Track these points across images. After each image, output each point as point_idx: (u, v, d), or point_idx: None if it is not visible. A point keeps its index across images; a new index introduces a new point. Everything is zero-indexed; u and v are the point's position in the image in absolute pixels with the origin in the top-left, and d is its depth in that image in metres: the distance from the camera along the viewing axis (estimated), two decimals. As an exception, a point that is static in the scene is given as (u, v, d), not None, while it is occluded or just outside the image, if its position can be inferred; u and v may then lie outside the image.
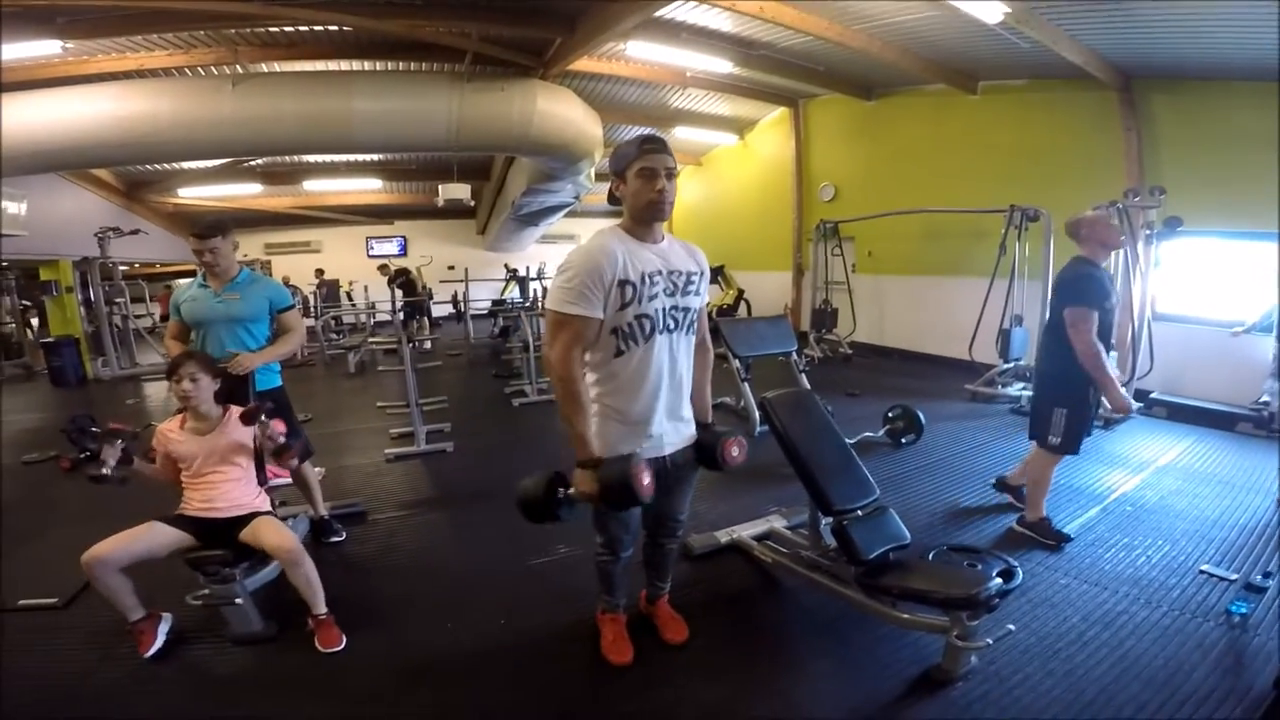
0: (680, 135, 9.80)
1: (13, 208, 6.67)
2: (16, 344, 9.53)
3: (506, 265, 13.21)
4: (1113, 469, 3.87)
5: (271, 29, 5.26)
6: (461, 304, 11.45)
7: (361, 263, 13.16)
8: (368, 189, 11.47)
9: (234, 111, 5.44)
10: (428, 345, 9.78)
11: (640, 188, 1.65)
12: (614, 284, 1.65)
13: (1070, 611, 2.37)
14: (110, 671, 2.21)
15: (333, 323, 10.64)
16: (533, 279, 12.73)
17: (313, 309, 10.44)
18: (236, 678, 2.20)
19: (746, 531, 2.84)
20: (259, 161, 9.23)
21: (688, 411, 1.90)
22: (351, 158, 9.96)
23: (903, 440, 4.39)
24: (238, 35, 5.29)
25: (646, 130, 9.49)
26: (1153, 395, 5.22)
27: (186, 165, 9.19)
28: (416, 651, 2.29)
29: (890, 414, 4.49)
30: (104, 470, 2.26)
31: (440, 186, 7.49)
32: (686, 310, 1.80)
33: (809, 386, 4.85)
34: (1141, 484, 3.67)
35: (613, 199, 1.75)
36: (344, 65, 6.17)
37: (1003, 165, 6.62)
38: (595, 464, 1.68)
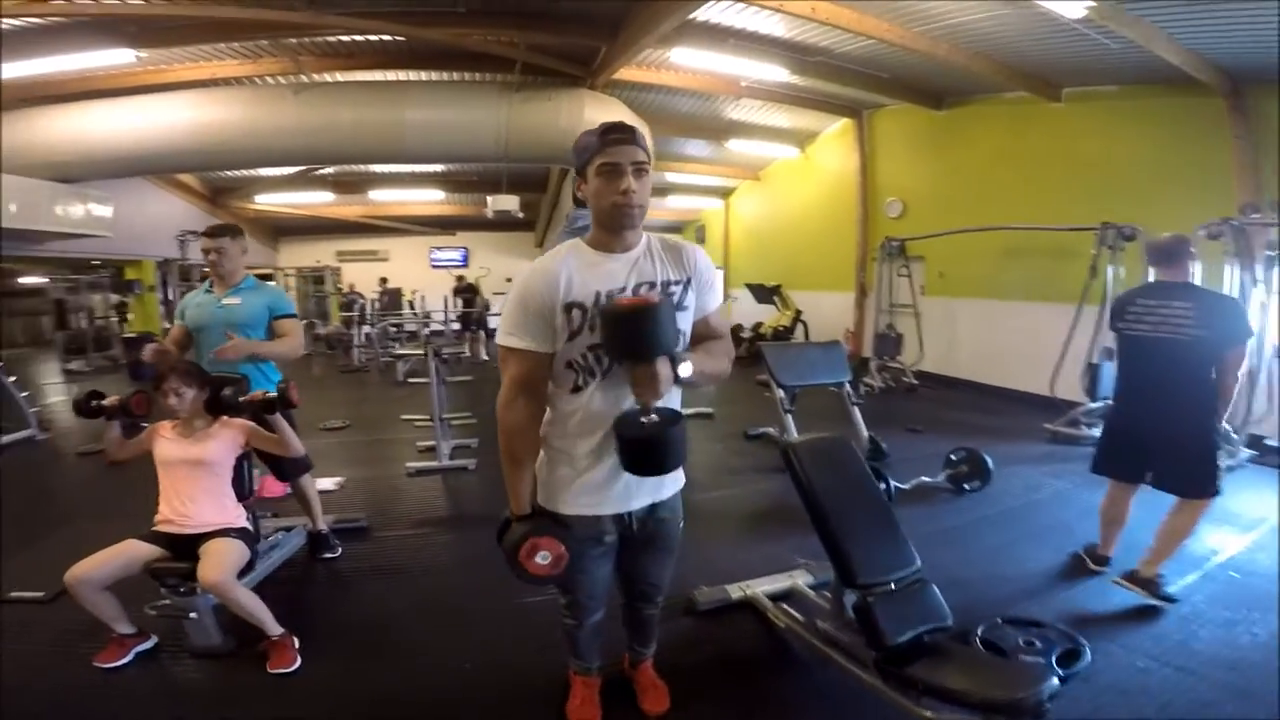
0: (737, 148, 9.47)
1: (99, 210, 7.11)
2: (107, 337, 10.25)
3: (564, 277, 13.27)
4: (1217, 527, 3.21)
5: (329, 39, 5.36)
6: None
7: (424, 272, 13.52)
8: (430, 199, 11.74)
9: (296, 120, 5.62)
10: (484, 356, 9.85)
11: (601, 188, 1.35)
12: (558, 310, 1.37)
13: (1146, 701, 1.94)
14: (65, 671, 2.18)
15: (391, 329, 10.88)
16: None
17: (368, 316, 10.71)
18: (184, 689, 2.16)
19: (763, 587, 2.47)
20: (329, 170, 9.61)
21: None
22: (415, 168, 10.21)
23: (965, 486, 3.86)
24: (298, 45, 5.42)
25: (700, 142, 9.43)
26: (1268, 441, 4.48)
27: (263, 172, 9.67)
28: (371, 683, 2.15)
29: (953, 456, 3.98)
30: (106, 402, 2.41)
31: (489, 198, 7.49)
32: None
33: (861, 421, 4.43)
34: (1252, 545, 3.07)
35: (578, 202, 1.47)
36: (398, 75, 6.25)
37: (1092, 179, 5.94)
38: (515, 520, 1.46)
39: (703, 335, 1.53)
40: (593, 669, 1.89)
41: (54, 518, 3.63)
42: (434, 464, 4.48)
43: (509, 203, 7.45)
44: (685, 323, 1.46)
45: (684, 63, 6.11)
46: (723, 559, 2.90)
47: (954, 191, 7.50)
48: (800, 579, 2.49)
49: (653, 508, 1.56)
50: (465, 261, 14.21)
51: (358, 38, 5.38)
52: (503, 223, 13.01)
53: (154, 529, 2.32)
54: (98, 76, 5.57)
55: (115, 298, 10.70)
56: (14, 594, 2.65)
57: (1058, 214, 5.82)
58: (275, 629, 2.27)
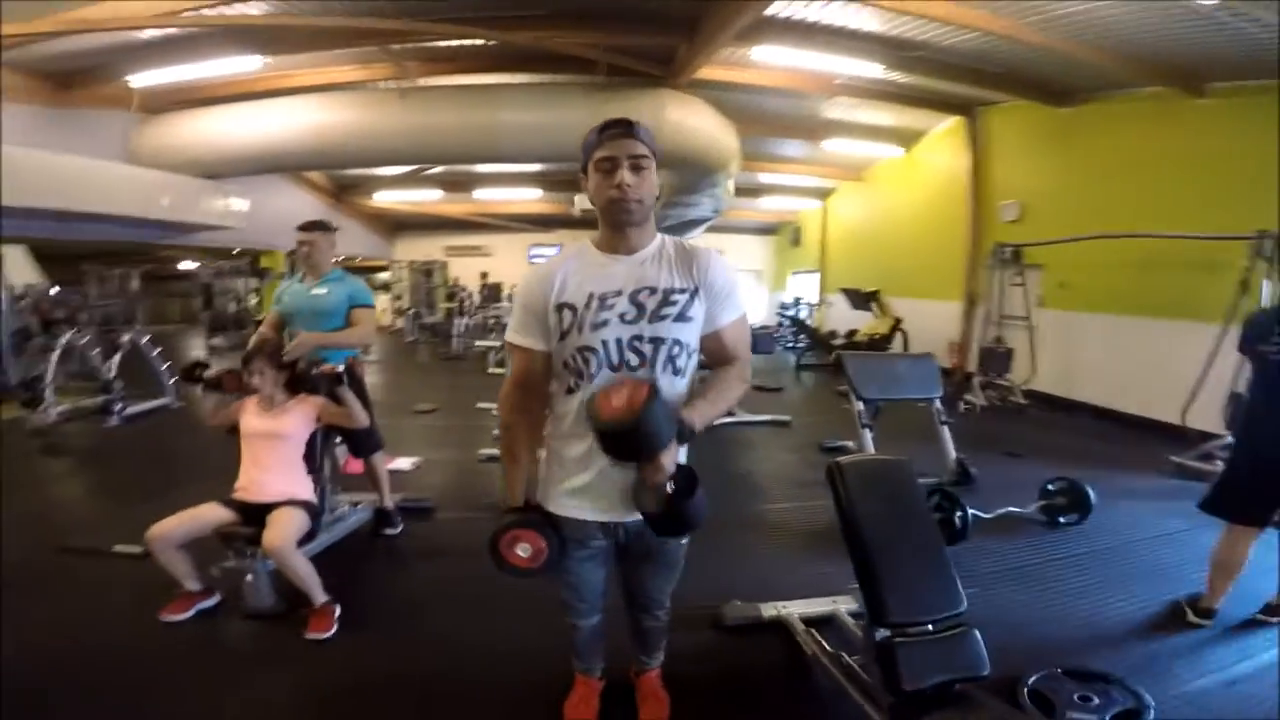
0: (834, 149, 9.03)
1: (237, 204, 7.96)
2: (245, 317, 11.52)
3: (650, 278, 13.36)
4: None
5: (429, 44, 5.67)
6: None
7: (523, 268, 14.07)
8: (528, 198, 12.17)
9: (402, 122, 6.03)
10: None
11: (599, 183, 1.31)
12: (550, 309, 1.36)
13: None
14: (135, 622, 2.39)
15: (487, 321, 11.42)
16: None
17: (467, 308, 11.29)
18: (226, 646, 2.34)
19: (800, 609, 2.30)
20: (437, 170, 10.21)
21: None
22: (514, 168, 10.57)
23: (1061, 520, 3.43)
24: (402, 51, 5.78)
25: (795, 141, 9.08)
26: None
27: (380, 171, 10.44)
28: (393, 657, 2.24)
29: (1050, 485, 3.55)
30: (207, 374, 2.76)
31: (576, 196, 7.63)
32: (659, 343, 1.33)
33: (949, 441, 4.08)
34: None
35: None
36: (493, 79, 6.50)
37: (1244, 183, 5.08)
38: (506, 511, 1.45)
39: (714, 351, 1.43)
40: (593, 670, 1.86)
41: (171, 479, 4.00)
42: (495, 450, 4.61)
43: (593, 201, 7.57)
44: (689, 334, 1.36)
45: (768, 60, 5.90)
46: (769, 574, 2.77)
47: (1079, 195, 6.71)
48: (844, 605, 2.30)
49: (642, 522, 1.47)
50: (561, 259, 14.65)
51: (452, 43, 5.64)
52: (591, 221, 13.34)
53: (231, 496, 2.54)
54: (232, 82, 6.27)
55: (254, 282, 11.98)
56: (117, 547, 2.96)
57: (1200, 221, 5.06)
58: (320, 597, 2.40)
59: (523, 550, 1.38)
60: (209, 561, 2.49)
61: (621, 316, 1.33)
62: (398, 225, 14.09)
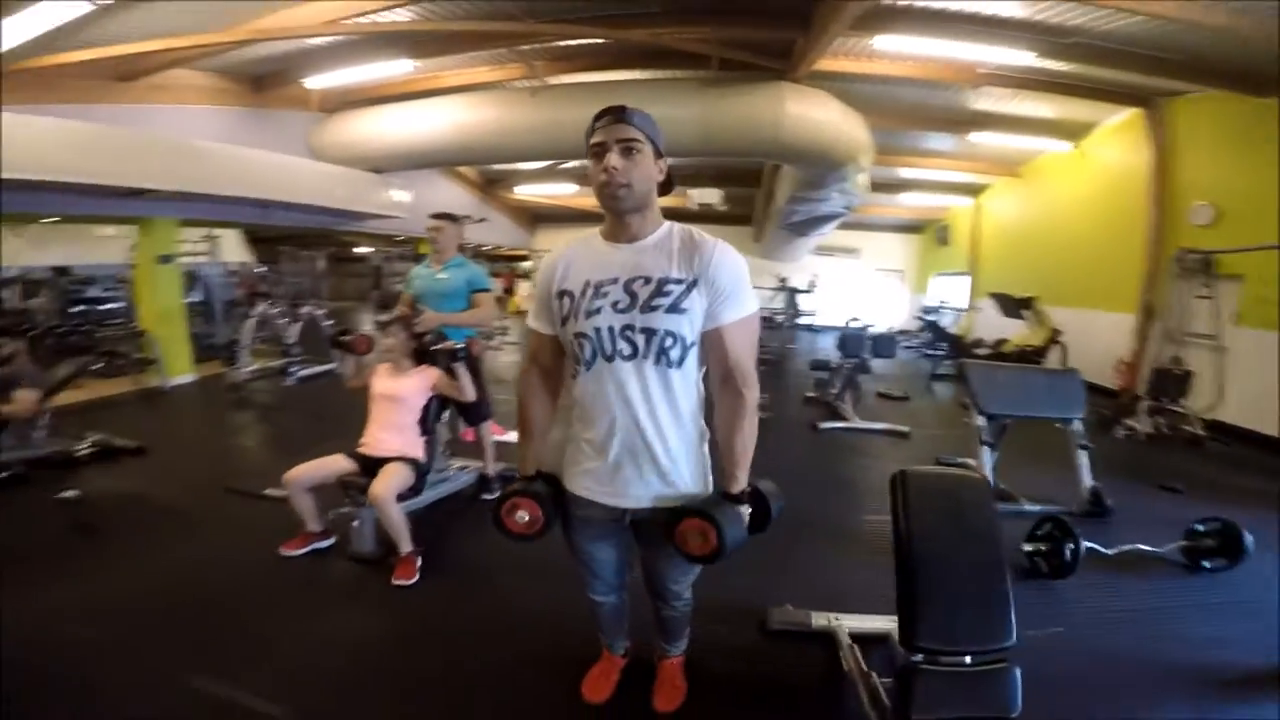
0: (984, 141, 8.18)
1: (400, 196, 8.92)
2: (406, 296, 12.88)
3: (777, 275, 12.99)
4: None
5: (554, 44, 5.96)
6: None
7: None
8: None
9: (533, 120, 6.42)
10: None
11: (592, 169, 1.35)
12: (553, 295, 1.43)
13: None
14: (261, 552, 2.82)
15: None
16: (803, 291, 12.32)
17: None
18: (324, 582, 2.67)
19: (853, 623, 2.20)
20: (572, 164, 10.70)
21: (670, 466, 1.44)
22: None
23: (1205, 564, 2.92)
24: (530, 52, 6.13)
25: (940, 135, 8.33)
26: None
27: (522, 166, 11.15)
28: (464, 609, 2.46)
29: (1199, 525, 3.03)
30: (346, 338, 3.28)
31: (692, 191, 7.63)
32: (651, 333, 1.34)
33: (1087, 467, 3.65)
34: None
35: None
36: (614, 76, 6.68)
37: None
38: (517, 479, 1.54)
39: (714, 351, 1.39)
40: (615, 647, 1.92)
41: (324, 434, 4.55)
42: None
43: (711, 196, 7.54)
44: (683, 326, 1.35)
45: (898, 49, 5.48)
46: (840, 584, 2.66)
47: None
48: (900, 627, 2.16)
49: (647, 511, 1.49)
50: (686, 253, 14.72)
51: (573, 42, 5.88)
52: (723, 216, 13.22)
53: (355, 449, 2.91)
54: (390, 84, 7.02)
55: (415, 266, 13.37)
56: (266, 491, 3.49)
57: None
58: (407, 547, 2.70)
59: (520, 517, 1.47)
60: (331, 507, 2.89)
61: (614, 305, 1.35)
62: (537, 217, 14.95)
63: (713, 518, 1.33)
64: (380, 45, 5.64)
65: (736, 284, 1.36)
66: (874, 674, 1.79)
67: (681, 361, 1.37)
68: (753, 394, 1.41)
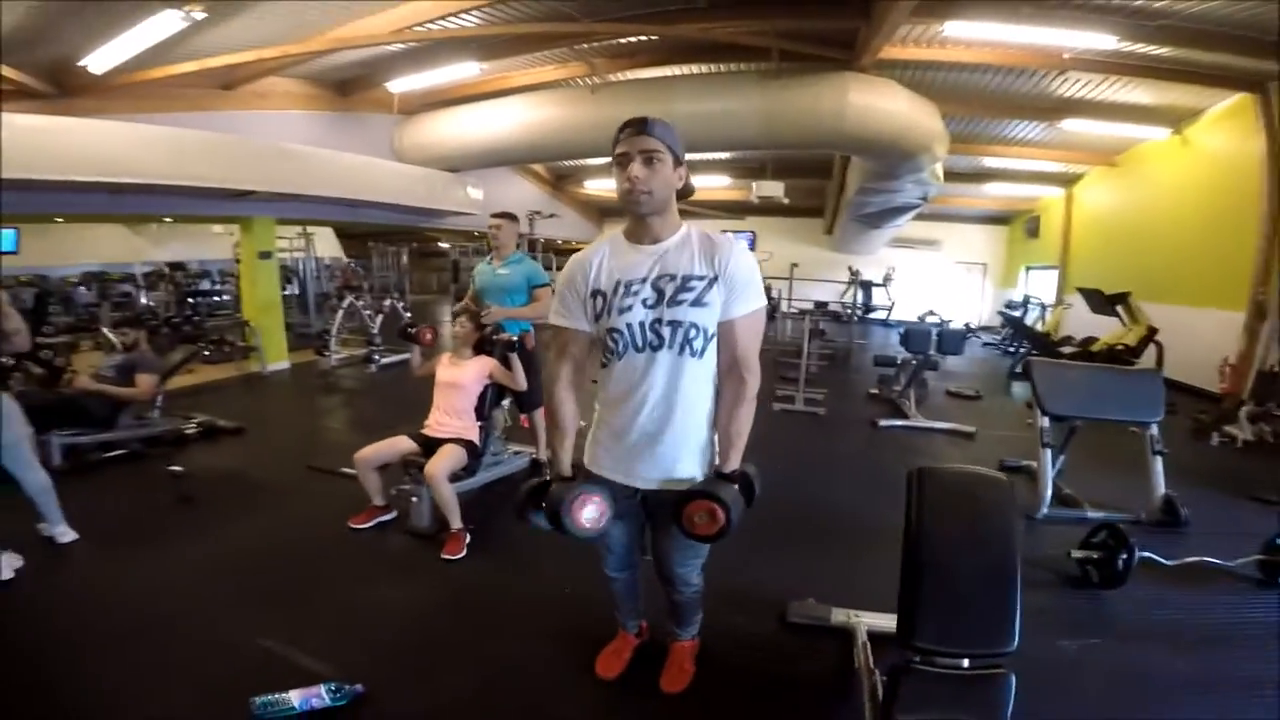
0: (1076, 129, 7.62)
1: (474, 193, 9.34)
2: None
3: (850, 267, 12.61)
4: None
5: (611, 42, 6.07)
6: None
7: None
8: (718, 185, 12.25)
9: (593, 116, 6.58)
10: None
11: (617, 177, 1.45)
12: (588, 295, 1.54)
13: None
14: (330, 525, 3.11)
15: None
16: (878, 284, 11.90)
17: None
18: (383, 553, 2.93)
19: (872, 621, 2.19)
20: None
21: (677, 448, 1.55)
22: (704, 155, 10.73)
23: (1280, 580, 2.69)
24: (589, 50, 6.27)
25: (1026, 123, 7.79)
26: None
27: (590, 161, 11.38)
28: (505, 585, 2.64)
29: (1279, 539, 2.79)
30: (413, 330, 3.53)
31: (754, 183, 7.56)
32: (677, 325, 1.46)
33: (1160, 474, 3.41)
34: None
35: None
36: (671, 71, 6.72)
37: None
38: (555, 480, 1.62)
39: (724, 340, 1.50)
40: (629, 626, 2.03)
41: (397, 417, 4.90)
42: None
43: (773, 189, 7.46)
44: (705, 318, 1.47)
45: (967, 35, 5.21)
46: (871, 582, 2.59)
47: None
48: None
49: (659, 493, 1.59)
50: (752, 245, 14.54)
51: (630, 39, 5.97)
52: (789, 209, 12.97)
53: (419, 431, 3.17)
54: (462, 86, 7.37)
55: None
56: (342, 469, 3.79)
57: None
58: (457, 523, 2.91)
59: (590, 513, 1.51)
60: (393, 484, 3.16)
61: (644, 302, 1.48)
62: (605, 212, 15.21)
63: (720, 498, 1.43)
64: (448, 50, 5.94)
65: (749, 280, 1.48)
66: (877, 671, 1.80)
67: (703, 352, 1.49)
68: (754, 381, 1.52)
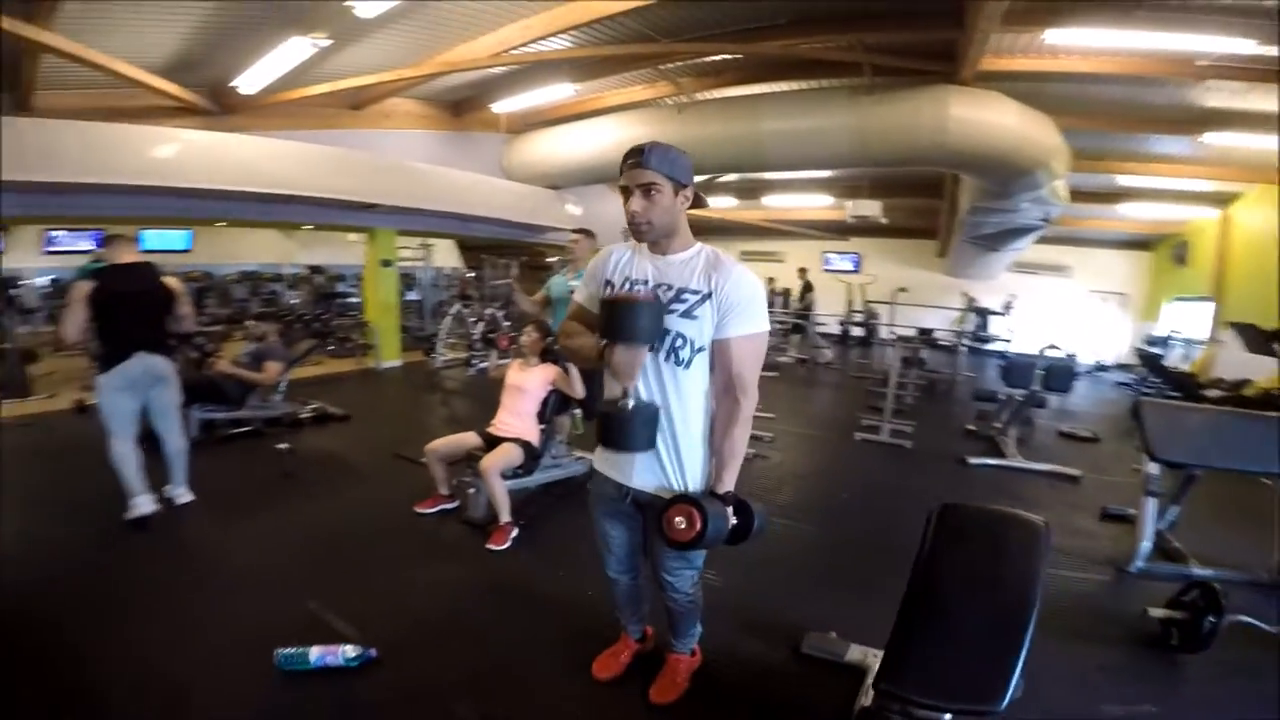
0: (1222, 142, 6.68)
1: (573, 209, 9.77)
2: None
3: (964, 293, 11.77)
4: None
5: (697, 61, 6.14)
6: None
7: (815, 275, 13.94)
8: (821, 205, 11.91)
9: (680, 135, 6.67)
10: (828, 355, 9.85)
11: (623, 205, 1.53)
12: (603, 281, 1.65)
13: None
14: (399, 507, 3.40)
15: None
16: (997, 313, 11.04)
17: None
18: (438, 539, 3.16)
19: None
20: (731, 178, 10.79)
21: (671, 455, 1.60)
22: (806, 174, 10.53)
23: None
24: (675, 69, 6.37)
25: (1166, 138, 6.89)
26: None
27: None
28: (544, 579, 2.77)
29: None
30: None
31: (849, 202, 7.31)
32: (665, 333, 1.53)
33: None
34: None
35: None
36: (759, 89, 6.68)
37: None
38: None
39: (719, 359, 1.55)
40: (630, 631, 2.06)
41: (483, 416, 5.23)
42: None
43: (870, 208, 7.16)
44: (692, 330, 1.53)
45: (1081, 44, 4.74)
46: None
47: None
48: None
49: (649, 495, 1.63)
50: (857, 267, 13.98)
51: (715, 58, 6.01)
52: (905, 229, 12.36)
53: (486, 429, 3.42)
54: (561, 106, 7.76)
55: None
56: (422, 459, 4.07)
57: None
58: (506, 517, 3.09)
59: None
60: (458, 475, 3.42)
61: None
62: (697, 230, 15.15)
63: (699, 505, 1.47)
64: (543, 72, 6.30)
65: (747, 303, 1.52)
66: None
67: (689, 364, 1.54)
68: (749, 403, 1.55)
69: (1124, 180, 8.80)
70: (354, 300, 11.82)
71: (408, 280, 11.22)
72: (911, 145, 5.68)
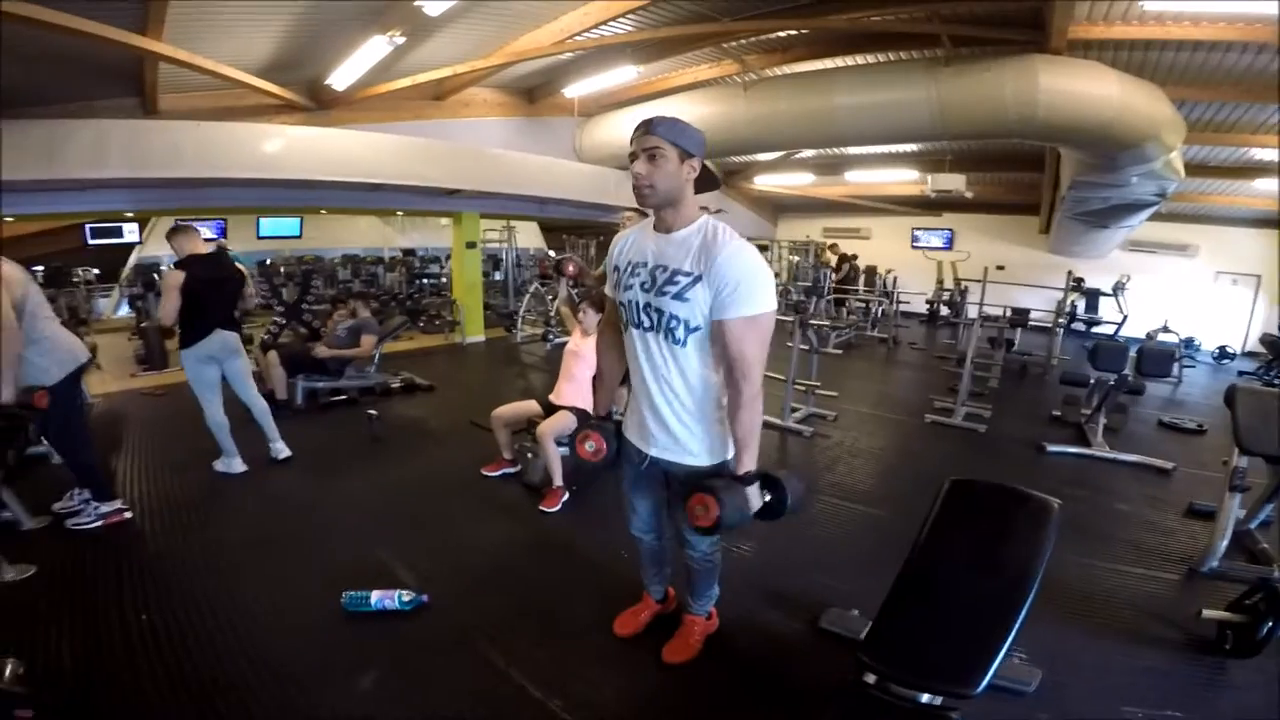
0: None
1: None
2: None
3: (1070, 273, 10.86)
4: None
5: (764, 38, 5.99)
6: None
7: (903, 251, 13.32)
8: (906, 179, 11.28)
9: (746, 113, 6.62)
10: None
11: (631, 173, 1.57)
12: (612, 268, 1.74)
13: None
14: (469, 470, 3.73)
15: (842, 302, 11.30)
16: (1106, 294, 10.16)
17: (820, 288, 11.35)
18: (497, 499, 3.44)
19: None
20: (809, 154, 10.47)
21: (679, 427, 1.67)
22: (887, 149, 10.05)
23: None
24: (740, 47, 6.23)
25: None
26: None
27: (760, 157, 11.28)
28: (590, 540, 2.96)
29: None
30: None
31: (929, 176, 6.94)
32: (660, 313, 1.59)
33: None
34: None
35: None
36: (831, 63, 6.43)
37: None
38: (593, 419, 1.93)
39: (718, 341, 1.57)
40: (652, 591, 2.20)
41: (549, 388, 5.66)
42: (776, 420, 4.84)
43: (952, 182, 6.77)
44: (685, 311, 1.56)
45: (1191, 9, 4.21)
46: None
47: None
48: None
49: (668, 463, 1.73)
50: (949, 244, 13.19)
51: (778, 35, 5.84)
52: (1003, 204, 11.54)
53: (546, 397, 3.66)
54: (628, 88, 7.83)
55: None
56: (475, 420, 4.53)
57: None
58: (558, 481, 3.32)
59: (589, 446, 1.81)
60: (520, 441, 3.71)
61: (641, 284, 1.63)
62: (780, 207, 14.85)
63: (716, 493, 1.51)
64: (606, 56, 6.40)
65: (741, 283, 1.50)
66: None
67: (685, 341, 1.58)
68: (750, 386, 1.55)
69: (1259, 154, 7.78)
70: (444, 280, 12.56)
71: (494, 260, 11.78)
72: (997, 118, 5.33)
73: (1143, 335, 8.39)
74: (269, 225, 11.79)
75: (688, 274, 1.55)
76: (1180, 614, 2.49)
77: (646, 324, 1.63)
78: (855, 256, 12.49)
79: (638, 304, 1.64)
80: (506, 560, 2.79)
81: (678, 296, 1.56)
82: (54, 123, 4.92)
